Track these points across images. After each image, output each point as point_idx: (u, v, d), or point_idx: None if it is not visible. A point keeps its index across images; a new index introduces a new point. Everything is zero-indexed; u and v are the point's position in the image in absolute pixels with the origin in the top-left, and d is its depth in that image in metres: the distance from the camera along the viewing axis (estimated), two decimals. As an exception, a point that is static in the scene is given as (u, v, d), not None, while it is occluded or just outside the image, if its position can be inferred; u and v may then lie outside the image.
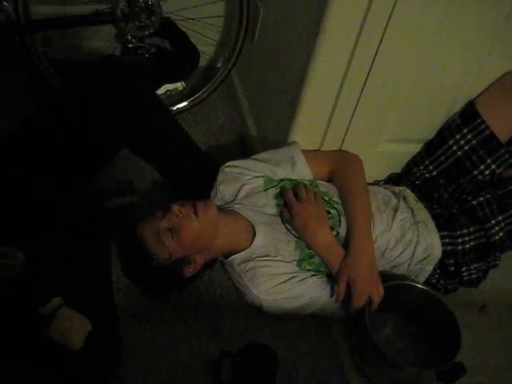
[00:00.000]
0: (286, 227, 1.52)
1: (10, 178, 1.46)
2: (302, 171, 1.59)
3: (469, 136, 1.64)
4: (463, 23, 1.44)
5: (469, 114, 1.66)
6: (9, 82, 2.04)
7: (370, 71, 1.47)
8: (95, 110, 1.43)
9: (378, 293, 1.42)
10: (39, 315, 1.33)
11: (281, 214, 1.53)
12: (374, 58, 1.44)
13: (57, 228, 1.52)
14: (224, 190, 1.56)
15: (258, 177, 1.56)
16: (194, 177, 1.63)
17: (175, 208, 1.35)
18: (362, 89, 1.51)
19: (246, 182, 1.55)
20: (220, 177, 1.56)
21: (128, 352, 1.39)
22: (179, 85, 2.17)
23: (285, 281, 1.43)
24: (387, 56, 1.44)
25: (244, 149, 2.03)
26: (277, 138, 1.74)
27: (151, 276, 1.41)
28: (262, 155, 1.62)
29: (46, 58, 1.91)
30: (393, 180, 1.83)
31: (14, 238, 1.45)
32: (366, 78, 1.48)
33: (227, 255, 1.49)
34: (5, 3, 1.85)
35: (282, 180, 1.58)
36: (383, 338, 1.52)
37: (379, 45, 1.42)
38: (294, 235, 1.50)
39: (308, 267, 1.48)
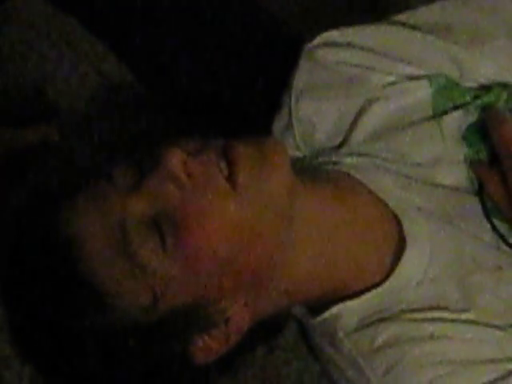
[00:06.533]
0: (494, 228, 0.64)
1: None
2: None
3: None
4: None
5: None
6: None
7: None
8: None
9: None
10: None
11: (480, 187, 0.66)
12: None
13: None
14: (314, 113, 0.69)
15: (414, 79, 0.68)
16: (226, 73, 0.83)
17: (174, 159, 0.55)
18: None
19: (375, 92, 0.69)
20: (303, 75, 0.69)
21: None
22: None
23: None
24: None
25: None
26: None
27: (97, 359, 0.58)
28: (422, 15, 0.72)
29: None
30: None
31: None
32: None
33: (319, 302, 0.64)
34: None
35: (488, 89, 0.69)
36: None
37: None
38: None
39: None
